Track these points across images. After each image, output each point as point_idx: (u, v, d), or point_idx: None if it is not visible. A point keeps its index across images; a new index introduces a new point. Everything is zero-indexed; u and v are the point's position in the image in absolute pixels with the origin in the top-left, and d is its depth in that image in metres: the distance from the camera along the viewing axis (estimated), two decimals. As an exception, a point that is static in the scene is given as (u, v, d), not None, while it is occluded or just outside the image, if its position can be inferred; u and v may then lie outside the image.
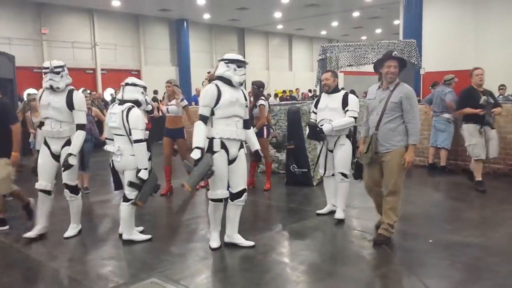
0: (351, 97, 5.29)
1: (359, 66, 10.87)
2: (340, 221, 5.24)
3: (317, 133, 5.21)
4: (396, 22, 19.85)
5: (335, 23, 24.38)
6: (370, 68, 13.01)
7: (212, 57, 23.69)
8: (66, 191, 4.90)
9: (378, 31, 26.71)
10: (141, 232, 4.92)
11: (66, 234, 4.95)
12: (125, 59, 20.37)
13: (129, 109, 4.59)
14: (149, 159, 4.65)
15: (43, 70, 4.80)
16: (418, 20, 14.46)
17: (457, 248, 4.40)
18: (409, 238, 4.78)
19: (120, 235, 4.81)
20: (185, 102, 6.79)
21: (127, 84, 4.78)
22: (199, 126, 4.23)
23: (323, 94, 5.43)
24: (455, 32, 13.95)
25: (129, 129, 4.56)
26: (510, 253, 4.32)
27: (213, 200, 4.40)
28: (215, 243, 4.46)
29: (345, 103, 5.21)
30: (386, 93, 4.38)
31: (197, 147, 4.10)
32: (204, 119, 4.26)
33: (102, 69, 19.48)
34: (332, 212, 5.48)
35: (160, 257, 4.32)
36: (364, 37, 28.09)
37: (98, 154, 7.53)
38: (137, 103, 4.71)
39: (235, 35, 25.33)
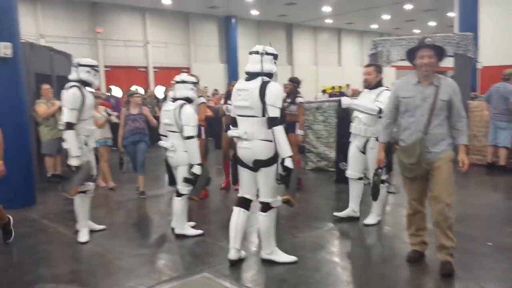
0: (385, 92, 4.82)
1: (412, 60, 10.55)
2: (368, 225, 5.04)
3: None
4: (450, 14, 19.10)
5: (386, 16, 23.76)
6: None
7: (260, 53, 23.62)
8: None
9: (432, 24, 25.77)
10: (193, 227, 5.03)
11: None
12: (175, 56, 20.77)
13: (181, 106, 4.70)
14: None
15: (96, 68, 4.95)
16: (474, 12, 13.83)
17: (517, 252, 4.21)
18: (466, 240, 4.59)
19: (173, 230, 4.94)
20: None
21: (177, 82, 4.89)
22: (283, 132, 3.74)
23: (364, 90, 5.12)
24: (513, 23, 13.24)
25: (182, 126, 4.66)
26: None
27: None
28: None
29: (378, 98, 4.83)
30: (430, 89, 3.66)
31: (289, 156, 3.67)
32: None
33: (154, 67, 19.98)
34: (352, 219, 5.23)
35: (212, 252, 4.40)
36: (417, 31, 27.21)
37: (149, 149, 7.69)
38: (188, 100, 4.81)
39: (283, 30, 25.23)
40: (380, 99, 4.77)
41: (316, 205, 6.30)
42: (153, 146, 7.55)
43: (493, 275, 3.73)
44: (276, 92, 3.74)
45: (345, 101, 4.89)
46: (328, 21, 24.96)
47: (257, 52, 3.86)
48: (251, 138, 3.79)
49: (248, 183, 3.99)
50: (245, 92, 3.81)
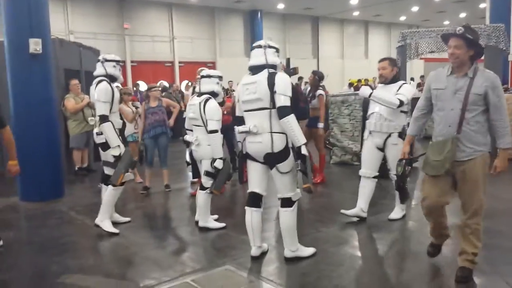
0: (405, 85, 4.75)
1: (441, 52, 10.32)
2: (393, 220, 4.93)
3: None
4: (482, 5, 18.56)
5: (415, 8, 23.28)
6: (452, 54, 12.28)
7: (285, 47, 23.59)
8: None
9: (462, 15, 25.09)
10: (216, 220, 5.07)
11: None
12: (201, 51, 20.90)
13: (206, 100, 4.73)
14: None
15: (121, 63, 5.07)
16: (506, 2, 13.39)
17: (548, 248, 4.08)
18: (494, 235, 4.48)
19: (197, 222, 5.00)
20: None
21: (202, 76, 4.92)
22: (296, 120, 3.70)
23: (379, 86, 4.94)
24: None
25: (206, 120, 4.69)
26: None
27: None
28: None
29: (398, 91, 4.66)
30: (463, 81, 3.32)
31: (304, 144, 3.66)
32: None
33: (179, 62, 20.16)
34: (360, 221, 5.02)
35: (234, 245, 4.42)
36: (446, 22, 26.57)
37: (172, 144, 7.74)
38: (213, 94, 4.83)
39: (309, 24, 25.03)
40: (401, 91, 4.63)
41: (340, 199, 6.25)
42: (176, 139, 7.62)
43: (521, 272, 3.62)
44: (285, 81, 3.70)
45: (364, 90, 4.70)
46: (355, 13, 24.62)
47: (259, 46, 3.84)
48: (262, 132, 3.73)
49: (258, 178, 3.93)
50: (252, 85, 3.75)
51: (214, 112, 4.68)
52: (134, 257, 4.27)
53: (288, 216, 3.85)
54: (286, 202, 3.85)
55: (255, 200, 3.98)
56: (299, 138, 3.64)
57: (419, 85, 18.93)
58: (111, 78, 4.89)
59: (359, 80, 20.82)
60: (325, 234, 4.69)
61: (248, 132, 3.80)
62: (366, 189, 5.01)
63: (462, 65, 3.32)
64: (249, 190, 4.02)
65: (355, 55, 26.83)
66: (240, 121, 3.95)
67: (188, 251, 4.46)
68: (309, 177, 3.65)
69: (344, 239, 4.53)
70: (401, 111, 4.68)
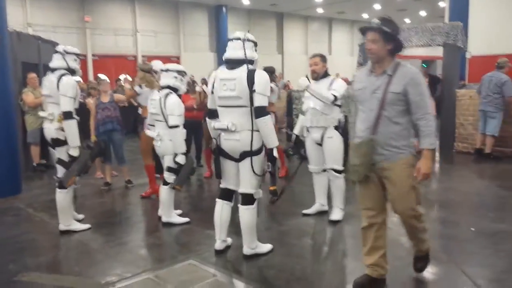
0: (337, 80, 4.81)
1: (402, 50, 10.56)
2: (335, 222, 4.80)
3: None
4: (441, 4, 19.10)
5: (377, 6, 23.71)
6: (414, 52, 12.56)
7: (251, 42, 23.58)
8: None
9: (423, 13, 25.78)
10: (180, 215, 5.03)
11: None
12: (165, 45, 20.64)
13: (167, 95, 4.66)
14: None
15: (80, 57, 4.88)
16: (465, 1, 13.84)
17: (500, 237, 4.27)
18: (450, 225, 4.66)
19: (160, 218, 4.94)
20: None
21: (161, 70, 4.87)
22: (271, 121, 3.77)
23: (312, 81, 4.81)
24: (504, 13, 13.25)
25: (167, 115, 4.63)
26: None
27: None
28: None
29: (331, 86, 4.67)
30: (382, 79, 3.05)
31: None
32: None
33: (143, 56, 19.83)
34: (322, 213, 5.06)
35: (198, 240, 4.41)
36: (407, 20, 27.22)
37: (134, 139, 7.61)
38: (173, 89, 4.76)
39: (274, 20, 25.12)
40: (334, 87, 4.66)
41: (301, 193, 6.31)
42: (137, 135, 7.49)
43: (475, 260, 3.78)
44: (264, 80, 3.64)
45: (303, 82, 4.62)
46: (319, 10, 24.87)
47: (238, 38, 3.73)
48: (240, 130, 3.66)
49: (232, 175, 3.89)
50: (231, 82, 3.64)
51: (174, 106, 4.61)
52: (95, 254, 4.18)
53: (249, 214, 3.82)
54: (248, 199, 3.80)
55: (228, 194, 3.96)
56: (273, 139, 3.65)
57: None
58: (71, 72, 4.72)
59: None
60: (288, 227, 4.73)
61: (225, 130, 3.72)
62: (318, 184, 5.08)
63: (380, 61, 3.05)
64: (222, 186, 3.98)
65: (319, 52, 27.06)
66: (213, 114, 3.87)
67: (151, 246, 4.41)
68: (276, 179, 3.67)
69: (306, 232, 4.58)
70: (335, 105, 4.72)
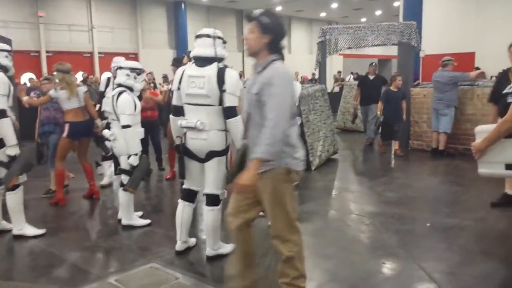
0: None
1: (358, 48, 10.82)
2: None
3: None
4: (396, 3, 19.63)
5: (334, 5, 24.12)
6: (369, 50, 12.90)
7: (211, 39, 23.49)
8: None
9: (378, 13, 26.43)
10: (141, 217, 4.95)
11: None
12: (122, 42, 20.21)
13: (119, 94, 4.55)
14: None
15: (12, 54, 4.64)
16: (419, 1, 14.30)
17: (454, 231, 4.45)
18: (407, 221, 4.81)
19: (119, 221, 4.84)
20: None
21: (117, 68, 4.78)
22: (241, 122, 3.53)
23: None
24: (455, 13, 13.81)
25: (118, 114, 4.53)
26: (506, 236, 4.36)
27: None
28: None
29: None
30: (255, 77, 2.76)
31: None
32: None
33: (99, 52, 19.35)
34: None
35: (159, 242, 4.35)
36: (364, 19, 27.83)
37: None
38: (128, 88, 4.66)
39: (234, 17, 25.09)
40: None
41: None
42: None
43: (431, 254, 3.91)
44: (235, 79, 3.60)
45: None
46: (278, 8, 25.01)
47: (208, 36, 3.66)
48: (208, 129, 3.60)
49: (196, 175, 3.84)
50: (200, 80, 3.55)
51: (125, 106, 4.47)
52: (52, 260, 4.04)
53: (213, 215, 3.78)
54: (213, 200, 3.77)
55: (191, 195, 3.92)
56: (240, 140, 3.62)
57: (336, 80, 19.75)
58: (4, 70, 4.50)
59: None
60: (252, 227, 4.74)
61: (193, 128, 3.63)
62: None
63: (255, 54, 2.74)
64: (185, 187, 3.93)
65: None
66: (178, 111, 3.77)
67: (111, 250, 4.31)
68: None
69: (270, 231, 4.60)
70: None
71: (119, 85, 4.64)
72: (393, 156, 8.44)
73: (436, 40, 13.65)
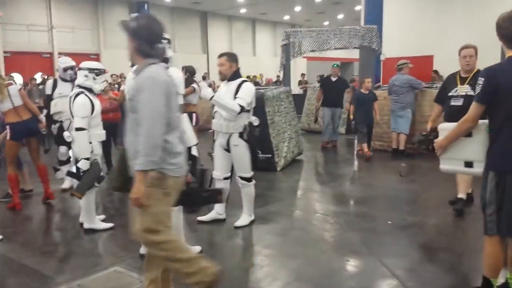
0: (245, 85, 4.40)
1: (321, 51, 10.99)
2: (237, 228, 4.65)
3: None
4: (357, 7, 20.06)
5: (298, 8, 24.41)
6: (332, 53, 13.05)
7: (174, 41, 23.32)
8: None
9: (340, 16, 26.93)
10: (103, 220, 4.85)
11: None
12: (83, 42, 19.76)
13: (76, 95, 4.46)
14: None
15: None
16: (379, 5, 14.64)
17: (415, 229, 4.59)
18: (369, 220, 4.92)
19: (81, 224, 4.73)
20: None
21: (65, 68, 4.70)
22: (188, 120, 3.88)
23: (222, 83, 4.63)
24: (415, 17, 14.18)
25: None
26: (465, 232, 4.52)
27: None
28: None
29: (238, 91, 4.36)
30: (133, 84, 2.77)
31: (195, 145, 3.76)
32: None
33: (59, 53, 18.82)
34: (217, 221, 4.82)
35: (123, 245, 4.26)
36: (326, 23, 28.28)
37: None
38: (87, 89, 4.57)
39: (198, 18, 24.97)
40: (240, 94, 4.33)
41: (230, 193, 6.34)
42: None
43: (393, 251, 4.02)
44: (180, 78, 3.63)
45: (205, 94, 4.32)
46: (243, 10, 25.11)
47: None
48: None
49: None
50: None
51: (78, 108, 4.37)
52: (12, 265, 3.91)
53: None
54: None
55: None
56: (190, 138, 3.60)
57: (300, 83, 19.97)
58: None
59: (248, 77, 21.37)
60: (217, 228, 4.73)
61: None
62: (247, 193, 4.75)
63: (132, 59, 2.77)
64: None
65: (243, 52, 27.34)
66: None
67: (73, 255, 4.19)
68: (197, 177, 3.62)
69: (236, 232, 4.61)
70: (237, 103, 4.36)
71: (78, 86, 4.55)
72: (355, 156, 8.61)
73: (396, 43, 13.99)
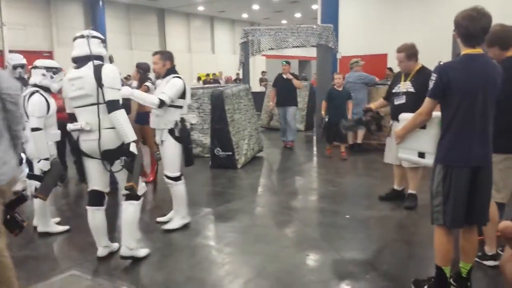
0: (172, 80, 4.35)
1: (280, 49, 11.07)
2: (169, 231, 4.52)
3: None
4: (314, 6, 20.33)
5: (256, 6, 24.45)
6: (291, 52, 13.17)
7: (131, 38, 22.90)
8: None
9: (298, 15, 27.17)
10: (58, 223, 4.71)
11: None
12: (36, 39, 19.03)
13: (31, 94, 4.31)
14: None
15: None
16: (335, 4, 14.89)
17: (372, 222, 4.71)
18: (328, 215, 5.01)
19: (35, 228, 4.57)
20: None
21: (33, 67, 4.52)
22: (125, 115, 3.63)
23: (157, 81, 4.63)
24: (369, 17, 14.56)
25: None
26: (421, 224, 4.67)
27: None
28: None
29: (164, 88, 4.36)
30: None
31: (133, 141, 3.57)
32: None
33: (10, 51, 18.05)
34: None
35: (81, 248, 4.16)
36: (284, 21, 28.49)
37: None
38: (44, 88, 4.41)
39: (155, 16, 24.57)
40: (164, 89, 4.30)
41: (191, 191, 6.28)
42: None
43: (351, 244, 4.11)
44: (112, 73, 3.58)
45: (125, 91, 4.12)
46: (200, 8, 24.92)
47: (82, 36, 3.68)
48: (95, 129, 3.56)
49: (97, 175, 3.76)
50: (78, 81, 3.55)
51: (33, 107, 4.23)
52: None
53: (132, 210, 3.76)
54: (131, 196, 3.72)
55: (97, 198, 3.81)
56: (128, 134, 3.53)
57: (261, 81, 20.06)
58: None
59: (208, 75, 21.26)
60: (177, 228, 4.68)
61: (80, 130, 3.61)
62: (176, 193, 4.63)
63: None
64: (89, 189, 3.82)
65: (202, 50, 27.18)
66: (73, 118, 3.72)
67: (27, 259, 4.03)
68: (134, 176, 3.54)
69: (197, 230, 4.58)
70: (171, 106, 4.34)
71: (34, 85, 4.38)
72: (315, 153, 8.72)
73: (352, 42, 14.30)
